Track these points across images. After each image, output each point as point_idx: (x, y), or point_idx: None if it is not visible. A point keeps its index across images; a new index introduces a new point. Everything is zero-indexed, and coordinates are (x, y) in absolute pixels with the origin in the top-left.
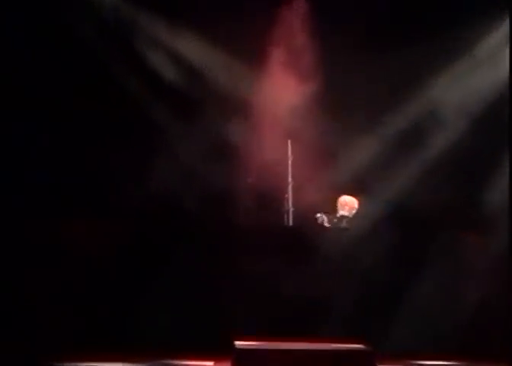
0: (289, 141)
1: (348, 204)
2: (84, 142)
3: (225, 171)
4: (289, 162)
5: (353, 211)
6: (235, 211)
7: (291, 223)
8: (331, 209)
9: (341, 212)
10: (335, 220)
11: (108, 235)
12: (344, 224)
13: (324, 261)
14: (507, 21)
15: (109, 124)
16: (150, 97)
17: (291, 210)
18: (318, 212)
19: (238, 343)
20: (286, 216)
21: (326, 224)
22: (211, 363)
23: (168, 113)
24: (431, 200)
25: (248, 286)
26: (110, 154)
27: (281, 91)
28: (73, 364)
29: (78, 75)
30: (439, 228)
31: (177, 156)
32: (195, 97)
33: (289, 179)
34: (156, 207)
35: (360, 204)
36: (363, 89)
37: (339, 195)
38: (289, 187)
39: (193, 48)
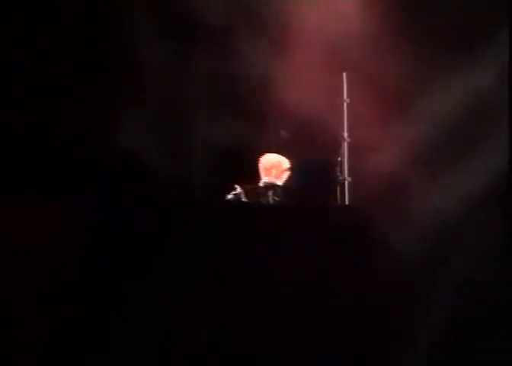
0: (345, 75)
1: (275, 166)
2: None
3: (245, 122)
4: (345, 106)
5: (285, 175)
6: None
7: (347, 200)
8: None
9: (266, 179)
10: (258, 193)
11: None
12: (271, 197)
13: (397, 261)
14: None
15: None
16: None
17: (347, 181)
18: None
19: None
20: (338, 190)
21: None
22: None
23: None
24: None
25: (280, 294)
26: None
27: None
28: None
29: None
30: None
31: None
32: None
33: (345, 134)
34: (136, 176)
35: (448, 179)
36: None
37: (416, 161)
38: (344, 147)
39: None
